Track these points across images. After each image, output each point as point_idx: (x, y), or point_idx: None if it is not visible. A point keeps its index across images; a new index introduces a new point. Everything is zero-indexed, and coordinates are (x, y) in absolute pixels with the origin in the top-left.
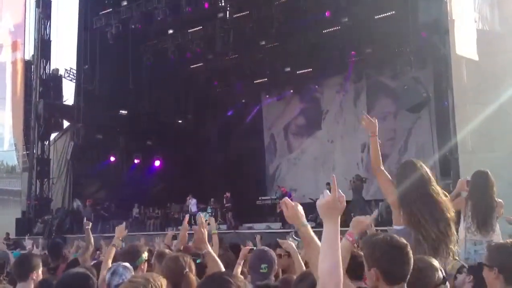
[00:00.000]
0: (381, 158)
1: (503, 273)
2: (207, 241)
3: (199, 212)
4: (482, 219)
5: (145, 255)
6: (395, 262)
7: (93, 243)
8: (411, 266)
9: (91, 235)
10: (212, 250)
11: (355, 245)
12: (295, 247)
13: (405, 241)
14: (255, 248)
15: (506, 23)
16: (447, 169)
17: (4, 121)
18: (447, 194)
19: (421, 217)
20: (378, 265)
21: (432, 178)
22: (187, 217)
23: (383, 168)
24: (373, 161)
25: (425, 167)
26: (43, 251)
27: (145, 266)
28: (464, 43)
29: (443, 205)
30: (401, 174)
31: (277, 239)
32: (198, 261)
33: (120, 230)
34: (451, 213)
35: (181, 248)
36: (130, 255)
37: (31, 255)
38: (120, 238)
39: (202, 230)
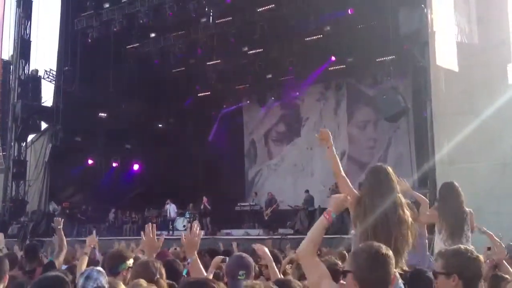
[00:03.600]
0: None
1: (463, 279)
2: (197, 248)
3: (183, 218)
4: (453, 230)
5: (129, 261)
6: (370, 270)
7: (66, 245)
8: (389, 275)
9: (63, 236)
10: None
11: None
12: (270, 255)
13: (381, 247)
14: (226, 258)
15: (485, 37)
16: (425, 179)
17: None
18: (411, 207)
19: (371, 232)
20: (354, 271)
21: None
22: (149, 226)
23: (344, 175)
24: (335, 167)
25: (394, 176)
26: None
27: (127, 273)
28: (444, 54)
29: (403, 227)
30: (371, 180)
31: (252, 245)
32: (185, 272)
33: (91, 239)
34: (409, 231)
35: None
36: (113, 260)
37: (3, 258)
38: (92, 246)
39: (195, 237)
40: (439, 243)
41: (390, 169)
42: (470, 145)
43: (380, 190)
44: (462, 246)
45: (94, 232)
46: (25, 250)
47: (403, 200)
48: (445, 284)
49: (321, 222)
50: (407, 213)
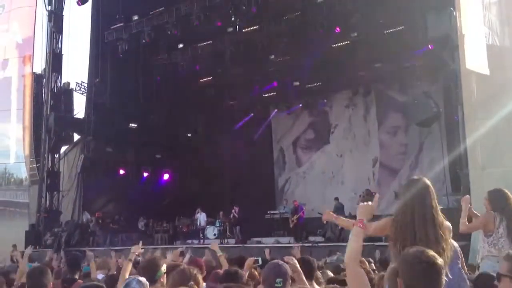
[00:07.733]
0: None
1: None
2: None
3: (213, 226)
4: None
5: (163, 268)
6: (418, 277)
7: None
8: (439, 285)
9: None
10: None
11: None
12: (299, 267)
13: (435, 258)
14: (259, 259)
15: None
16: (458, 184)
17: (10, 133)
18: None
19: (400, 244)
20: (403, 277)
21: (435, 201)
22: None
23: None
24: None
25: (431, 187)
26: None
27: (164, 279)
28: (474, 57)
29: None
30: (405, 191)
31: (284, 258)
32: None
33: (137, 248)
34: (444, 241)
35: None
36: (149, 269)
37: (46, 268)
38: (137, 253)
39: None
40: (486, 247)
41: (428, 183)
42: (503, 149)
43: (413, 205)
44: None
45: (141, 243)
46: (68, 260)
47: (440, 216)
48: (509, 286)
49: (356, 231)
50: (445, 229)
